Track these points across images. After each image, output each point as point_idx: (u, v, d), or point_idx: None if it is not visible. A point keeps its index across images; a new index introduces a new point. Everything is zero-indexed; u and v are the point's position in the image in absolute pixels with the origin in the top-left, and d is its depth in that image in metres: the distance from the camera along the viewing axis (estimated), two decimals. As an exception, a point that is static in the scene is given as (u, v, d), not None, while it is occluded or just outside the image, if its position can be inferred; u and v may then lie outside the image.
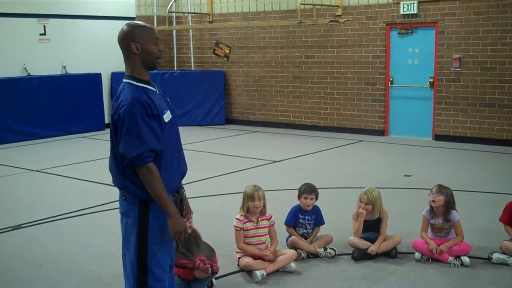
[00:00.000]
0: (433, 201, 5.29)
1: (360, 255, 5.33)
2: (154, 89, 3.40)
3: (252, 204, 5.04)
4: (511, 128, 11.08)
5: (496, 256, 5.19)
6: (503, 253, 5.21)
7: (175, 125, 3.46)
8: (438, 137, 11.89)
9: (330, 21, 12.21)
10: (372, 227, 5.45)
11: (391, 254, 5.38)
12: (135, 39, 3.30)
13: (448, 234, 5.34)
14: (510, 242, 5.24)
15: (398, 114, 12.47)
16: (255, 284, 4.84)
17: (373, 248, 5.30)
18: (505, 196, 6.45)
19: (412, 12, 11.77)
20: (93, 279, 5.01)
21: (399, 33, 12.14)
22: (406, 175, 8.77)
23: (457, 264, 5.15)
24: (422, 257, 5.30)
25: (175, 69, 15.29)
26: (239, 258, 5.11)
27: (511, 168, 9.05)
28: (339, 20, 12.10)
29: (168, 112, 3.38)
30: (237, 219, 5.11)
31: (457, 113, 11.63)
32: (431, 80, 11.87)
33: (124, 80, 3.38)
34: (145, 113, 3.21)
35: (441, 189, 5.32)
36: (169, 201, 3.25)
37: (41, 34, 13.13)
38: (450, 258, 5.18)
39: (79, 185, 8.51)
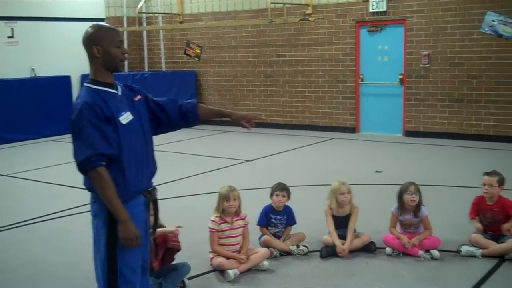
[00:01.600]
0: (412, 200, 5.34)
1: (328, 253, 5.37)
2: (116, 91, 3.34)
3: (228, 204, 5.03)
4: (480, 123, 11.26)
5: (465, 248, 5.28)
6: (472, 245, 5.31)
7: (139, 125, 3.38)
8: (408, 133, 12.03)
9: (301, 19, 12.27)
10: (344, 223, 5.50)
11: (369, 249, 5.43)
12: (97, 42, 3.26)
13: (417, 229, 5.42)
14: (479, 235, 5.33)
15: (369, 111, 12.58)
16: (228, 283, 4.85)
17: (342, 252, 5.31)
18: (474, 190, 6.54)
19: (381, 10, 11.89)
20: (65, 282, 4.98)
21: (368, 31, 12.25)
22: (377, 171, 8.86)
23: (427, 258, 5.22)
24: (393, 252, 5.37)
25: (146, 70, 15.21)
26: (211, 258, 5.10)
27: (480, 162, 9.17)
28: (309, 19, 12.17)
29: (128, 113, 3.30)
30: (212, 220, 5.09)
31: (427, 109, 11.77)
32: (401, 76, 12.00)
33: (83, 84, 3.35)
34: (95, 117, 3.14)
35: (417, 187, 5.39)
36: (119, 207, 3.19)
37: (9, 37, 12.98)
38: (420, 252, 5.26)
39: (50, 189, 8.42)
